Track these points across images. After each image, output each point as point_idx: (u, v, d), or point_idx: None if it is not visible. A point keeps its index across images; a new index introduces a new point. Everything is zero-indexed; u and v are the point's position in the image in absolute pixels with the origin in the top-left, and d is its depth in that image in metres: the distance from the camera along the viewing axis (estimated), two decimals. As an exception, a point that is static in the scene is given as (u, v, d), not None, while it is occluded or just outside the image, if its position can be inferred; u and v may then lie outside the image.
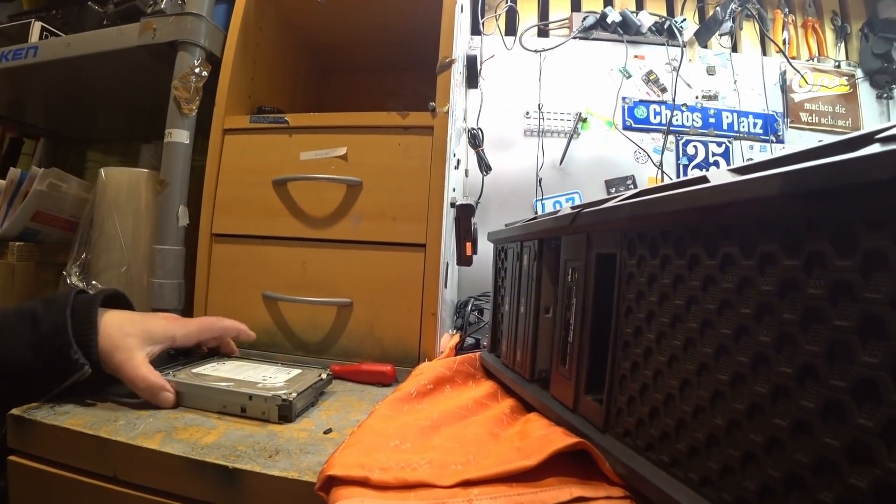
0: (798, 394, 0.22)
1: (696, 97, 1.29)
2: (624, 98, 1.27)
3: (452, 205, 0.73)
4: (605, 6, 1.33)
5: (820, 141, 1.31)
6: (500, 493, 0.33)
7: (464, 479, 0.34)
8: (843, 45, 1.42)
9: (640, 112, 1.26)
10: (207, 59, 0.78)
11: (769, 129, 1.29)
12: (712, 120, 1.28)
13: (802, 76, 1.31)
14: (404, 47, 0.98)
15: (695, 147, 1.26)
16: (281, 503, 0.36)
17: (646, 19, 1.28)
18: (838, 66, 1.38)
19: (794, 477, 0.22)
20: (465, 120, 1.01)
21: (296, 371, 0.56)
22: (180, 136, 0.74)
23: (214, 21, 0.80)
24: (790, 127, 1.31)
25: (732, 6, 1.22)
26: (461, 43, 0.83)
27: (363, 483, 0.32)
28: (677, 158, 1.25)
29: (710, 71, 1.32)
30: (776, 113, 1.31)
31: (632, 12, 1.29)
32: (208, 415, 0.47)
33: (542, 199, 1.16)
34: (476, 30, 1.23)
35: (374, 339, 0.65)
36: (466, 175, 1.02)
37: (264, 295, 0.68)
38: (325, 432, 0.44)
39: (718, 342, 0.27)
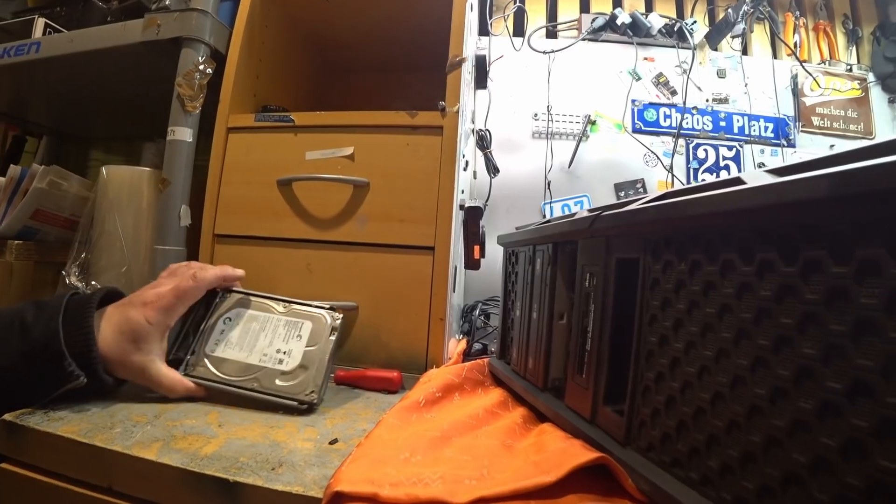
0: (849, 411, 0.20)
1: (707, 100, 1.28)
2: (633, 100, 1.25)
3: (461, 207, 0.71)
4: (614, 8, 1.31)
5: (832, 147, 1.30)
6: (518, 510, 0.32)
7: (479, 496, 0.32)
8: (854, 48, 1.40)
9: (650, 115, 1.25)
10: (212, 56, 0.77)
11: (780, 133, 1.27)
12: (723, 123, 1.26)
13: (814, 79, 1.29)
14: (412, 48, 0.97)
15: (705, 151, 1.24)
16: (284, 519, 0.34)
17: (656, 21, 1.26)
18: (850, 70, 1.36)
19: (843, 501, 0.20)
20: (473, 121, 0.99)
21: (306, 328, 0.54)
22: (183, 134, 0.73)
23: (220, 18, 0.79)
24: (802, 131, 1.29)
25: (744, 8, 1.21)
26: (470, 43, 0.82)
27: (372, 500, 0.31)
28: (687, 162, 1.23)
29: (721, 74, 1.31)
30: (787, 117, 1.29)
31: (641, 14, 1.27)
32: (208, 422, 0.45)
33: (550, 203, 1.14)
34: (484, 30, 1.22)
35: (381, 344, 0.63)
36: (475, 177, 1.01)
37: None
38: (331, 443, 0.42)
39: (755, 354, 0.25)
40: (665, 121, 1.24)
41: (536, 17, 1.33)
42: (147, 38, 0.78)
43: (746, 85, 1.30)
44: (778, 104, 1.29)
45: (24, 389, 0.44)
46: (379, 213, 0.65)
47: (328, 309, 0.55)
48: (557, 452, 0.37)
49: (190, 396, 0.50)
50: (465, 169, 0.79)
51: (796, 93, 1.31)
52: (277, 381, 0.50)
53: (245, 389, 0.50)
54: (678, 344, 0.32)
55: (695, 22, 1.29)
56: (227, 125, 0.73)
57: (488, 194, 1.08)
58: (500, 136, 1.16)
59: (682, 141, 1.22)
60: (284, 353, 0.52)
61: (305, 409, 0.49)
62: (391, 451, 0.38)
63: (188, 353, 0.53)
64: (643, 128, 1.23)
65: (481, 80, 0.95)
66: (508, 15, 1.29)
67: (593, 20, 1.27)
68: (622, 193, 1.20)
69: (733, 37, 1.31)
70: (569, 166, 1.18)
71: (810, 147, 1.28)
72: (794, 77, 1.32)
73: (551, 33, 1.32)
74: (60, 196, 0.84)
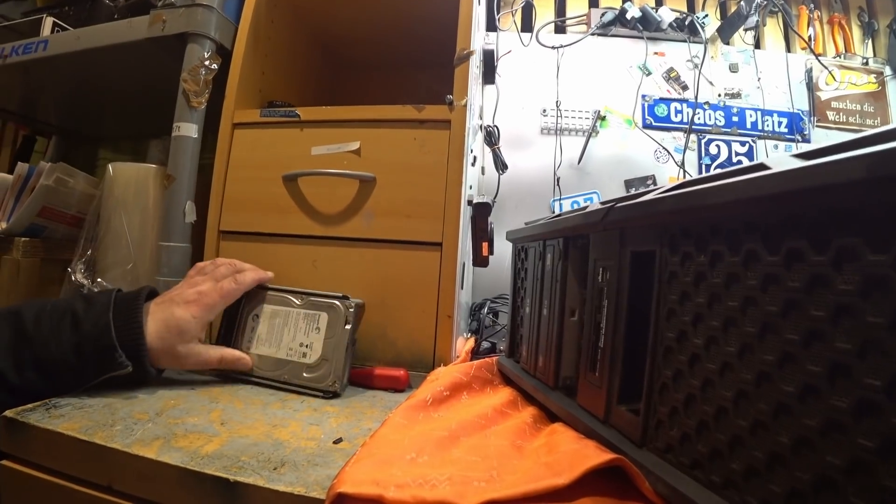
0: (890, 410, 0.19)
1: (719, 95, 1.25)
2: (644, 96, 1.23)
3: (469, 203, 0.70)
4: (623, 2, 1.29)
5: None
6: (529, 513, 0.30)
7: (488, 498, 0.30)
8: (870, 41, 1.37)
9: (661, 110, 1.23)
10: (217, 51, 0.76)
11: (795, 128, 1.25)
12: (735, 118, 1.24)
13: (830, 73, 1.27)
14: (419, 44, 0.95)
15: (717, 146, 1.22)
16: (286, 520, 0.33)
17: (666, 15, 1.24)
18: (866, 64, 1.33)
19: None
20: (481, 117, 0.98)
21: (323, 319, 0.56)
22: (188, 129, 0.72)
23: (225, 14, 0.78)
24: (817, 126, 1.27)
25: (757, 1, 1.18)
26: (478, 38, 0.80)
27: (377, 502, 0.29)
28: (699, 158, 1.21)
29: (733, 68, 1.28)
30: (802, 111, 1.27)
31: (651, 8, 1.25)
32: (211, 420, 0.44)
33: (559, 199, 1.13)
34: (492, 26, 1.20)
35: (387, 341, 0.62)
36: (483, 173, 0.99)
37: (273, 295, 0.66)
38: (335, 442, 0.41)
39: (783, 349, 0.24)
40: (676, 116, 1.22)
41: (545, 12, 1.31)
42: (153, 35, 0.77)
43: (759, 79, 1.28)
44: (792, 99, 1.27)
45: (73, 377, 0.47)
46: (386, 209, 0.64)
47: (342, 298, 0.57)
48: (570, 453, 0.35)
49: (238, 365, 0.56)
50: (472, 164, 0.78)
51: (811, 87, 1.29)
52: (304, 374, 0.55)
53: (279, 383, 0.55)
54: (698, 339, 0.30)
55: (706, 15, 1.27)
56: (232, 121, 0.73)
57: (496, 191, 1.06)
58: (508, 133, 1.14)
59: (693, 136, 1.20)
60: (307, 346, 0.56)
61: (332, 395, 0.54)
62: (397, 450, 0.37)
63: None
64: (654, 123, 1.21)
65: (489, 75, 0.94)
66: (516, 10, 1.27)
67: (602, 14, 1.26)
68: (633, 190, 1.18)
69: (746, 30, 1.29)
70: (578, 162, 1.16)
71: (826, 142, 1.25)
72: (809, 71, 1.29)
73: (560, 28, 1.30)
74: (67, 193, 0.84)
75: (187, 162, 0.72)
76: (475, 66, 0.75)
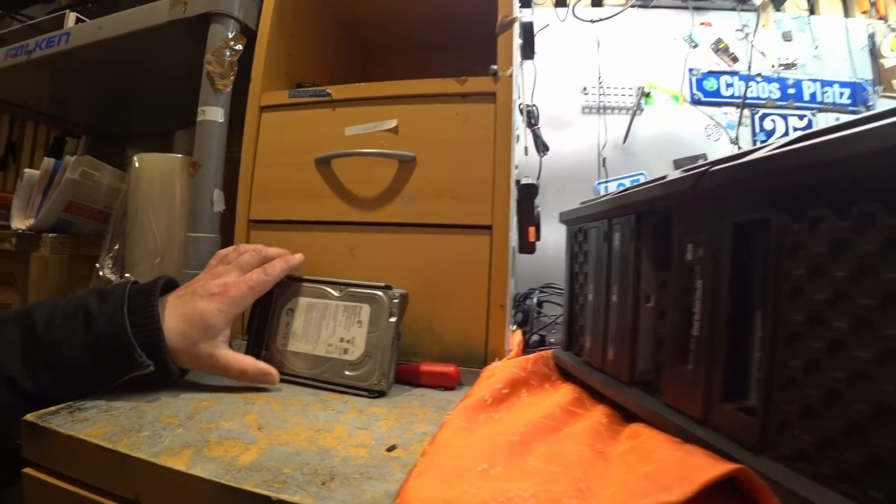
0: None
1: (773, 66, 1.16)
2: (691, 69, 1.15)
3: (516, 183, 0.64)
4: (664, -29, 1.21)
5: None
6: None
7: (585, 520, 0.25)
8: (938, 3, 1.25)
9: (710, 84, 1.14)
10: (242, 32, 0.72)
11: (858, 98, 1.15)
12: (792, 91, 1.15)
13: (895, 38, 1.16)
14: (449, 20, 0.89)
15: (773, 121, 1.13)
16: (340, 546, 0.28)
17: (712, -18, 1.16)
18: (935, 27, 1.22)
19: None
20: (519, 95, 0.92)
21: (365, 312, 0.52)
22: (214, 113, 0.68)
23: (248, -8, 0.74)
24: (882, 95, 1.16)
25: (815, -39, 1.09)
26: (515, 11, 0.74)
27: (452, 527, 0.24)
28: (753, 134, 1.12)
29: (787, 36, 1.19)
30: (865, 81, 1.16)
31: (696, -24, 1.17)
32: (247, 424, 0.40)
33: (605, 182, 1.06)
34: (526, 1, 1.14)
35: (434, 335, 0.57)
36: (526, 153, 0.93)
37: (308, 287, 0.61)
38: (389, 450, 0.36)
39: None
40: (727, 90, 1.13)
41: (581, -14, 1.23)
42: (174, 17, 0.74)
43: (816, 48, 1.18)
44: (854, 67, 1.16)
45: (91, 379, 0.43)
46: (428, 191, 0.59)
47: (384, 288, 0.52)
48: (675, 462, 0.29)
49: (263, 381, 0.49)
50: (517, 142, 0.72)
51: (874, 54, 1.18)
52: (346, 372, 0.50)
53: (318, 382, 0.51)
54: (841, 322, 0.24)
55: (756, -19, 1.18)
56: (259, 104, 0.68)
57: (538, 174, 1.00)
58: (546, 113, 1.07)
59: (746, 111, 1.11)
60: (348, 341, 0.51)
61: (377, 394, 0.49)
62: (465, 460, 0.32)
63: (262, 349, 0.54)
64: (703, 98, 1.13)
65: (528, 49, 0.87)
66: (551, -16, 1.20)
67: (643, -15, 1.18)
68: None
69: (801, -5, 1.19)
70: (623, 142, 1.09)
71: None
72: (872, 36, 1.19)
73: (597, 1, 1.23)
74: (93, 187, 0.81)
75: (214, 148, 0.68)
76: (516, 37, 0.69)
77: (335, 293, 0.53)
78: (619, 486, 0.28)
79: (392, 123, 0.61)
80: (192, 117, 0.72)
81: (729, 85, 1.14)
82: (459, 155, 0.58)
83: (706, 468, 0.27)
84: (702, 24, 1.17)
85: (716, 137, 1.10)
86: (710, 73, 1.15)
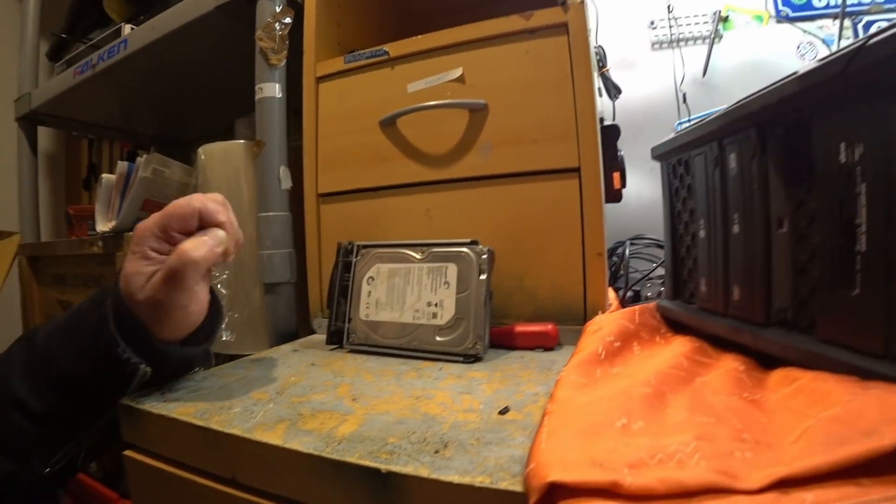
0: None
1: (875, -33, 1.01)
2: (775, -18, 1.01)
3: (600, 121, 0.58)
4: None
5: None
6: (852, 498, 0.19)
7: (780, 476, 0.20)
8: None
9: (799, -3, 1.00)
10: (289, 4, 0.70)
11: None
12: (901, -8, 0.99)
13: None
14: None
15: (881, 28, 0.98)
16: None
17: None
18: None
19: None
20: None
21: (452, 272, 0.48)
22: (271, 90, 0.66)
23: (291, -35, 0.71)
24: None
25: None
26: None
27: (613, 494, 0.20)
28: (857, 48, 0.97)
29: (890, -70, 1.02)
30: None
31: None
32: (339, 396, 0.37)
33: (688, 120, 0.96)
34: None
35: (526, 293, 0.52)
36: (601, 94, 0.85)
37: (387, 256, 0.58)
38: (501, 412, 0.32)
39: None
40: (820, 0, 0.99)
41: None
42: (220, 1, 0.73)
43: (928, -62, 1.01)
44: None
45: (97, 390, 0.38)
46: (505, 138, 0.54)
47: (470, 244, 0.48)
48: (873, 401, 0.23)
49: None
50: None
51: None
52: (437, 338, 0.47)
53: (408, 350, 0.48)
54: None
55: None
56: (315, 75, 0.65)
57: (612, 119, 0.92)
58: (611, 55, 0.99)
59: (847, 22, 0.97)
60: (436, 305, 0.48)
61: (473, 358, 0.45)
62: (597, 416, 0.27)
63: (346, 322, 0.52)
64: (791, 14, 0.99)
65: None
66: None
67: None
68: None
69: None
70: (703, 76, 0.98)
71: None
72: None
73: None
74: (164, 184, 0.82)
75: (275, 124, 0.66)
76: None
77: (417, 255, 0.50)
78: (806, 435, 0.23)
79: (457, 73, 0.56)
80: (249, 106, 0.70)
81: (822, -5, 1.00)
82: (535, 96, 0.53)
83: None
84: (783, -70, 1.03)
85: (812, 56, 0.97)
86: (799, -15, 1.01)
